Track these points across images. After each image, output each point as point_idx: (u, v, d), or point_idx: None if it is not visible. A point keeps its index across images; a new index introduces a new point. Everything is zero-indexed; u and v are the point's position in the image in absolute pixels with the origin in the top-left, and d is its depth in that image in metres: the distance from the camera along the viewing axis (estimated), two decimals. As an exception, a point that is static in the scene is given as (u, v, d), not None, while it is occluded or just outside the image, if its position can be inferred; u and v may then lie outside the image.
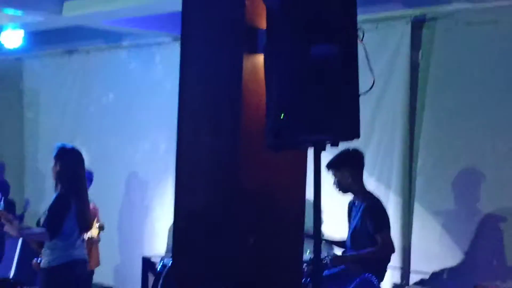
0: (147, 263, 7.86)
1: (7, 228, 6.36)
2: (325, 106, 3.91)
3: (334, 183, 6.33)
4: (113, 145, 9.31)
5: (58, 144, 6.49)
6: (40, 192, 9.24)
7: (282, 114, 3.93)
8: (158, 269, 7.39)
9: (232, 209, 4.54)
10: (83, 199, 6.40)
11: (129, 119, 9.15)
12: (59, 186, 6.29)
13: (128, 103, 9.19)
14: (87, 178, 8.04)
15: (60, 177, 6.31)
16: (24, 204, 9.60)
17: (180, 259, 4.92)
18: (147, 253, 8.37)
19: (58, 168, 6.31)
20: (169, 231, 8.37)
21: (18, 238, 8.68)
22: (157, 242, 8.73)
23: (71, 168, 6.36)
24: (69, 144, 6.57)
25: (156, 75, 8.95)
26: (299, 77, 3.94)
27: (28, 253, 8.67)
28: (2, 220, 6.39)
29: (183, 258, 4.89)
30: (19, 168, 9.98)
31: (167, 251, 8.25)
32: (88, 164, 8.50)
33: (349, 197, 6.45)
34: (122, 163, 9.25)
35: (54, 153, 6.38)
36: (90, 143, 9.27)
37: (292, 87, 3.97)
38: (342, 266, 6.20)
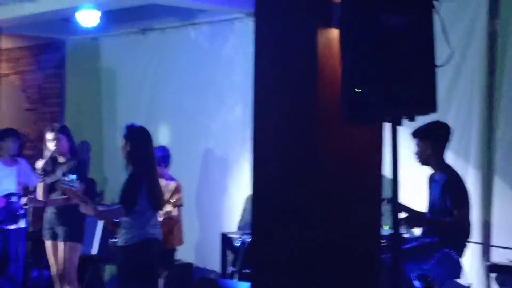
0: (226, 240, 7.91)
1: (83, 208, 6.48)
2: (401, 79, 3.87)
3: (416, 153, 6.25)
4: (189, 122, 9.37)
5: (127, 123, 6.57)
6: (118, 170, 9.34)
7: (358, 88, 3.90)
8: (237, 245, 7.45)
9: (309, 183, 4.54)
10: (154, 178, 6.47)
11: (204, 97, 9.19)
12: (130, 165, 6.39)
13: (203, 81, 9.22)
14: (165, 156, 8.16)
15: (130, 156, 6.40)
16: (103, 182, 9.80)
17: (258, 235, 4.94)
18: (226, 230, 8.43)
19: (128, 148, 6.40)
20: (245, 207, 8.41)
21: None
22: (236, 218, 8.77)
23: (140, 147, 6.44)
24: (137, 123, 6.64)
25: (231, 52, 8.95)
26: (374, 50, 3.91)
27: (109, 231, 8.85)
28: (78, 201, 6.51)
29: (261, 234, 4.91)
30: (98, 147, 10.13)
31: (245, 227, 8.29)
32: (165, 142, 8.63)
33: (425, 171, 6.38)
34: (198, 140, 9.31)
35: (123, 133, 6.46)
36: (166, 121, 9.37)
37: (367, 60, 3.93)
38: (421, 240, 6.14)
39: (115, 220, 6.52)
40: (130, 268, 6.38)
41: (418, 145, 6.22)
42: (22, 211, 8.88)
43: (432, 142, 6.20)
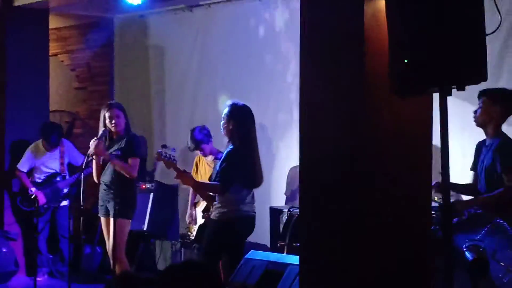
0: (275, 214, 7.93)
1: (181, 179, 6.53)
2: (450, 48, 3.83)
3: (477, 112, 6.15)
4: (236, 98, 9.38)
5: (230, 101, 6.64)
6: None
7: (406, 59, 3.87)
8: (286, 219, 7.45)
9: (357, 156, 4.52)
10: (255, 156, 6.55)
11: (251, 72, 9.19)
12: (232, 143, 6.46)
13: (251, 56, 9.21)
14: (208, 134, 8.26)
15: (233, 134, 6.46)
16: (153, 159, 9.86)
17: (306, 208, 4.94)
18: (274, 204, 8.44)
19: (231, 126, 6.45)
20: (293, 180, 8.40)
21: (149, 193, 8.96)
22: (284, 192, 8.79)
23: (243, 126, 6.51)
24: (239, 101, 6.71)
25: (278, 26, 8.92)
26: (422, 20, 3.86)
27: (160, 207, 8.94)
28: (176, 172, 6.56)
29: (309, 207, 4.91)
30: (147, 124, 10.19)
31: (293, 201, 8.30)
32: (210, 119, 8.65)
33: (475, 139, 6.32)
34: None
35: (226, 111, 6.53)
36: (213, 97, 9.37)
37: (415, 30, 3.89)
38: (471, 212, 6.08)
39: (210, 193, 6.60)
40: (219, 242, 6.50)
41: (484, 104, 6.10)
42: (66, 191, 9.03)
43: (502, 107, 6.10)
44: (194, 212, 8.02)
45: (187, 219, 7.96)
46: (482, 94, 6.07)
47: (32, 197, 9.05)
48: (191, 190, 8.16)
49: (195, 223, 7.95)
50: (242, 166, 6.44)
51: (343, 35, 4.58)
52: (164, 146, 6.85)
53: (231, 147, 6.50)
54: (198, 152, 8.36)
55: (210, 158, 8.28)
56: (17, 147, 9.47)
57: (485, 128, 6.18)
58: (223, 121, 6.58)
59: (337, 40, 4.61)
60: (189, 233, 7.18)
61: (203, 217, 7.23)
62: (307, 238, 4.95)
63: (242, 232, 6.63)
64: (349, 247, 4.62)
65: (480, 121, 6.15)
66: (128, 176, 7.07)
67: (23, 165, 9.26)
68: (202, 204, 7.76)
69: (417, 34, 3.90)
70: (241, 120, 6.55)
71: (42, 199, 9.07)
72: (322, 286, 4.80)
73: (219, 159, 6.81)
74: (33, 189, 9.11)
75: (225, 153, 6.54)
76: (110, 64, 10.77)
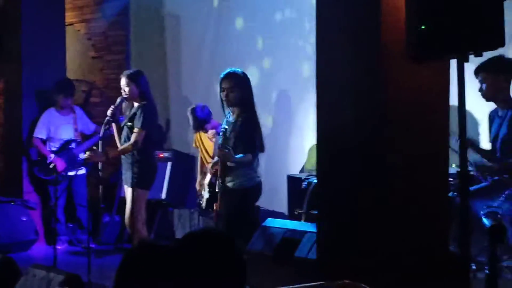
0: (293, 182, 7.94)
1: (222, 156, 6.53)
2: (467, 13, 3.80)
3: (481, 90, 6.16)
4: (253, 67, 9.36)
5: (229, 70, 6.67)
6: (183, 117, 9.42)
7: (423, 24, 3.84)
8: (304, 187, 7.46)
9: (374, 123, 4.51)
10: (258, 121, 6.62)
11: (268, 38, 9.15)
12: (242, 112, 6.52)
13: (266, 28, 9.17)
14: (209, 112, 8.29)
15: (242, 102, 6.55)
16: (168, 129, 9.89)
17: (324, 176, 4.95)
18: (292, 172, 8.44)
19: (238, 94, 6.53)
20: (311, 148, 8.40)
21: (167, 162, 8.98)
22: (302, 160, 8.79)
23: (251, 92, 6.61)
24: (238, 69, 6.72)
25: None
26: (439, -15, 3.83)
27: (177, 176, 8.97)
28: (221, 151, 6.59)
29: (327, 175, 4.91)
30: (163, 94, 10.19)
31: (310, 169, 8.29)
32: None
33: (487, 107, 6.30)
34: (262, 84, 9.29)
35: (231, 80, 6.56)
36: (230, 65, 9.34)
37: (432, -5, 3.86)
38: (489, 179, 6.07)
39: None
40: (241, 210, 6.56)
41: (486, 79, 6.10)
42: (81, 158, 9.05)
43: (506, 75, 6.09)
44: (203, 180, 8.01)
45: (197, 187, 7.94)
46: (480, 70, 6.05)
47: (50, 166, 9.09)
48: (199, 158, 8.20)
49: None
50: (258, 133, 6.49)
51: (359, 5, 4.55)
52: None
53: (245, 115, 6.50)
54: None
55: (210, 132, 8.29)
56: (35, 117, 9.51)
57: (495, 101, 6.17)
58: (225, 92, 6.56)
59: (354, 6, 4.58)
60: (200, 202, 7.19)
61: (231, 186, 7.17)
62: (325, 206, 4.96)
63: (256, 199, 6.71)
64: (366, 214, 4.62)
65: (489, 95, 6.16)
66: (133, 151, 7.06)
67: (39, 132, 9.28)
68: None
69: (435, 0, 3.87)
70: (249, 87, 6.59)
71: (61, 165, 9.11)
72: (339, 254, 4.81)
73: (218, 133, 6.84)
74: (52, 155, 9.15)
75: (240, 122, 6.52)
76: (126, 33, 10.75)
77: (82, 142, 9.42)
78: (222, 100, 6.66)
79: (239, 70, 6.72)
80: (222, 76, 6.66)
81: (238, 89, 6.56)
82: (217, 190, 6.64)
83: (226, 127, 6.56)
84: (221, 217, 6.59)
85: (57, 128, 9.30)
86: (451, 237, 4.98)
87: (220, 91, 6.65)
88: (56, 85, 9.40)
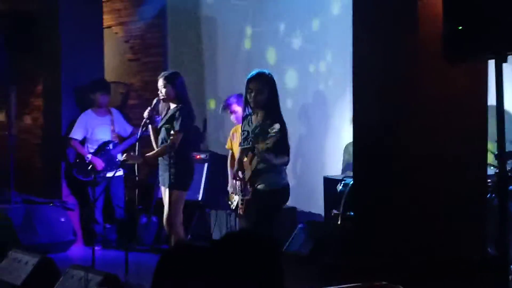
0: (329, 183, 7.92)
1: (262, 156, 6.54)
2: (505, 12, 3.75)
3: None
4: (290, 68, 9.36)
5: (257, 71, 6.58)
6: (219, 119, 9.45)
7: (460, 24, 3.81)
8: (340, 189, 7.44)
9: (410, 124, 4.49)
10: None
11: (305, 42, 9.15)
12: (271, 113, 6.42)
13: (305, 24, 9.17)
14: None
15: (271, 103, 6.44)
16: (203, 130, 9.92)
17: (361, 178, 4.93)
18: (328, 173, 8.42)
19: (267, 95, 6.44)
20: (345, 150, 8.38)
21: (204, 164, 9.00)
22: (338, 161, 8.76)
23: (277, 93, 6.51)
24: (266, 69, 6.69)
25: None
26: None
27: (214, 177, 8.98)
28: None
29: (364, 177, 4.90)
30: (200, 96, 10.22)
31: (347, 170, 8.27)
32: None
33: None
34: (300, 84, 9.29)
35: (261, 81, 6.47)
36: (266, 68, 9.34)
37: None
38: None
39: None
40: (272, 211, 6.54)
41: None
42: (119, 159, 9.09)
43: None
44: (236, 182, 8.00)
45: (230, 189, 7.91)
46: None
47: (89, 167, 9.16)
48: (229, 161, 8.16)
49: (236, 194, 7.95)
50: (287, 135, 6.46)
51: (397, 3, 4.54)
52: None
53: (273, 117, 6.41)
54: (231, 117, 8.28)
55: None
56: (73, 118, 9.59)
57: None
58: (254, 93, 6.49)
59: (391, 7, 4.57)
60: (230, 203, 7.18)
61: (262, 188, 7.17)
62: (362, 207, 4.95)
63: (286, 200, 6.66)
64: (403, 216, 4.60)
65: None
66: (170, 153, 7.09)
67: (75, 133, 9.34)
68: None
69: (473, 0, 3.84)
70: (276, 90, 6.52)
71: (100, 165, 9.17)
72: (375, 255, 4.80)
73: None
74: (89, 155, 9.21)
75: (276, 124, 6.45)
76: (163, 35, 10.80)
77: (119, 143, 9.47)
78: (248, 101, 6.60)
79: (267, 71, 6.63)
80: (250, 76, 6.55)
81: (267, 91, 6.49)
82: (242, 194, 6.60)
83: (248, 129, 6.52)
84: (249, 219, 6.57)
85: (94, 129, 9.36)
86: (488, 239, 4.94)
87: (247, 92, 6.54)
88: (92, 84, 9.48)
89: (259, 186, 6.51)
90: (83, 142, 9.40)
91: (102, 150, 9.34)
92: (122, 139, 9.61)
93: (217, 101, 10.08)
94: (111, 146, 9.38)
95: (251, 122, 6.57)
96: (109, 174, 9.06)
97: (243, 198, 6.61)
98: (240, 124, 7.61)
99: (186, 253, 2.56)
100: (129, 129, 9.60)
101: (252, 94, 6.50)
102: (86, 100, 9.55)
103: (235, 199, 6.95)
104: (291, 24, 9.29)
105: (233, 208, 7.06)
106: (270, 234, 6.39)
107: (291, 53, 9.23)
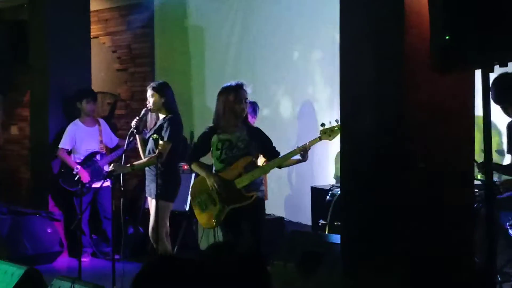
0: (317, 193, 7.91)
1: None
2: (492, 23, 3.76)
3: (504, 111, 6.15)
4: (276, 78, 9.36)
5: (238, 82, 6.66)
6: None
7: (447, 34, 3.81)
8: (328, 199, 7.44)
9: (398, 133, 4.49)
10: None
11: (291, 52, 9.16)
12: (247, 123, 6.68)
13: (290, 36, 9.17)
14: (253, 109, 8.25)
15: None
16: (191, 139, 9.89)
17: (348, 188, 4.92)
18: (316, 183, 8.42)
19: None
20: (336, 160, 8.38)
21: (191, 174, 8.98)
22: (326, 171, 8.76)
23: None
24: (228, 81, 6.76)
25: (315, 5, 8.85)
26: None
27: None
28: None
29: (351, 187, 4.89)
30: (187, 105, 10.20)
31: (335, 180, 8.27)
32: (252, 98, 8.64)
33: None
34: (285, 95, 9.29)
35: (243, 94, 6.58)
36: (252, 78, 9.36)
37: (457, 5, 3.83)
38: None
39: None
40: (263, 219, 6.70)
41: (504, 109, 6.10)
42: (106, 170, 9.05)
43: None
44: None
45: None
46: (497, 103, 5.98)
47: (76, 177, 9.12)
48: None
49: None
50: None
51: (383, 11, 4.54)
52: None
53: (249, 125, 6.70)
54: None
55: None
56: (61, 129, 9.55)
57: None
58: (246, 105, 6.62)
59: (377, 16, 4.57)
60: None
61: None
62: (349, 217, 4.94)
63: None
64: (392, 225, 4.59)
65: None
66: (157, 163, 7.08)
67: (65, 143, 9.28)
68: None
69: (459, 9, 3.84)
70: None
71: (86, 177, 9.12)
72: (364, 265, 4.78)
73: None
74: (78, 166, 9.16)
75: (259, 131, 6.59)
76: (151, 46, 10.80)
77: (106, 154, 9.43)
78: (240, 113, 6.63)
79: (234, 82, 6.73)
80: (242, 86, 6.64)
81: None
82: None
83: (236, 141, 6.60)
84: (239, 229, 6.56)
85: (82, 140, 9.32)
86: (476, 248, 4.93)
87: (242, 103, 6.61)
88: (78, 92, 9.44)
89: (259, 194, 6.58)
90: (69, 152, 9.35)
91: (89, 160, 9.30)
92: (108, 149, 9.57)
93: (205, 112, 10.06)
94: (98, 157, 9.34)
95: (235, 134, 6.63)
96: (96, 185, 9.01)
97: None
98: None
99: (170, 264, 2.52)
100: (115, 140, 9.57)
101: (244, 107, 6.69)
102: (73, 110, 9.50)
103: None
104: (280, 34, 9.29)
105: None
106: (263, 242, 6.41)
107: (276, 65, 9.23)
